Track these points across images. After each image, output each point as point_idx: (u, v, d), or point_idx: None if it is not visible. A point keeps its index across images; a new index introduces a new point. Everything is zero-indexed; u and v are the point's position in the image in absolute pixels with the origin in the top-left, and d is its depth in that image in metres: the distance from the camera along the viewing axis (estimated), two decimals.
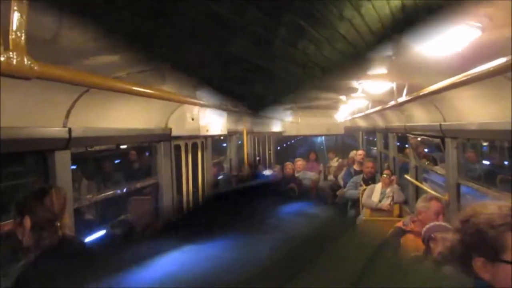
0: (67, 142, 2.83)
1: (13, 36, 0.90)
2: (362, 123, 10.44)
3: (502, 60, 1.57)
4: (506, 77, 2.49)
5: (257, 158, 9.00)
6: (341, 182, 8.61)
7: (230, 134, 7.28)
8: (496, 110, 3.17)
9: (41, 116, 2.60)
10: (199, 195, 5.95)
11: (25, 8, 0.91)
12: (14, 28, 0.89)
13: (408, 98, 3.29)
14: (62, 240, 2.01)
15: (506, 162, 6.32)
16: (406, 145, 7.18)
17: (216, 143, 7.94)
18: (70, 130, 2.81)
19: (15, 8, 0.87)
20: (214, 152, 7.25)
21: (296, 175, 8.92)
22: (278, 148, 14.77)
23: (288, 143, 17.05)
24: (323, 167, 11.76)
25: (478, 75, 1.82)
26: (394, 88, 3.71)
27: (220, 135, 6.22)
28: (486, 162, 6.27)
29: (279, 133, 12.53)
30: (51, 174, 2.82)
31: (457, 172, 4.42)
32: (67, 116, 2.79)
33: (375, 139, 9.80)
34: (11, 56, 0.91)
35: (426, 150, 6.28)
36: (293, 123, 12.20)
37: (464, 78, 1.96)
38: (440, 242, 2.34)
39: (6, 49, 0.89)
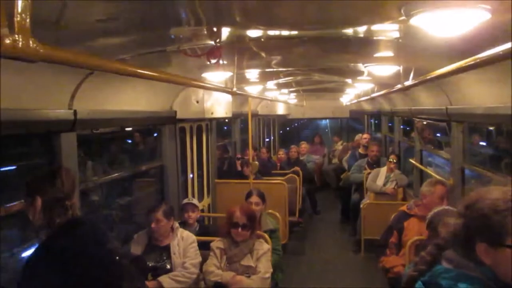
0: (72, 124, 2.84)
1: (18, 19, 0.90)
2: (367, 107, 10.40)
3: (509, 45, 1.55)
4: None
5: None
6: (346, 166, 8.62)
7: (234, 117, 7.28)
8: (503, 94, 3.15)
9: (47, 98, 2.61)
10: (204, 178, 6.00)
11: None
12: (19, 10, 0.89)
13: (414, 81, 3.26)
14: (72, 220, 2.05)
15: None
16: (409, 128, 7.16)
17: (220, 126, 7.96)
18: (75, 112, 2.83)
19: None
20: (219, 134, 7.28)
21: (301, 158, 8.95)
22: (282, 131, 14.79)
23: (293, 126, 17.03)
24: (328, 151, 11.78)
25: (486, 59, 1.79)
26: (401, 71, 3.67)
27: (225, 118, 6.22)
28: (483, 144, 6.22)
29: (284, 116, 12.52)
30: (57, 156, 2.85)
31: (462, 156, 4.41)
32: (72, 98, 2.80)
33: (380, 123, 9.76)
34: (17, 38, 0.91)
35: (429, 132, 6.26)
36: (298, 106, 12.18)
37: (472, 62, 1.93)
38: (444, 226, 2.35)
39: (12, 31, 0.89)
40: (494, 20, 1.71)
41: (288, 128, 16.33)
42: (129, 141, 6.87)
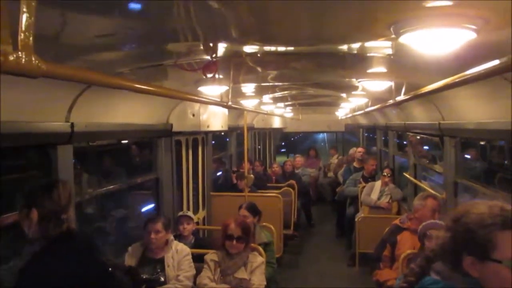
0: (69, 137, 2.87)
1: (22, 37, 0.93)
2: (362, 121, 10.48)
3: (499, 62, 1.60)
4: (503, 77, 2.53)
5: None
6: (341, 179, 8.66)
7: (230, 130, 7.32)
8: (494, 110, 3.21)
9: (44, 110, 2.64)
10: (199, 190, 6.01)
11: (33, 9, 0.95)
12: (23, 28, 0.93)
13: (406, 97, 3.32)
14: (66, 232, 2.06)
15: (505, 162, 6.36)
16: (404, 143, 7.23)
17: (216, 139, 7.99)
18: (72, 125, 2.86)
19: (24, 9, 0.91)
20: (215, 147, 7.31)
21: (296, 171, 8.98)
22: (282, 143, 14.85)
23: (292, 139, 17.11)
24: (323, 164, 11.83)
25: (475, 76, 1.85)
26: (393, 87, 3.74)
27: (220, 131, 6.26)
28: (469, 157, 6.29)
29: (280, 129, 12.58)
30: (53, 169, 2.87)
31: (454, 171, 4.46)
32: (69, 111, 2.83)
33: (375, 137, 9.84)
34: (20, 55, 0.95)
35: (425, 148, 6.33)
36: (294, 120, 12.25)
37: (461, 79, 1.98)
38: (433, 239, 2.39)
39: (15, 49, 0.93)
40: (481, 38, 1.77)
41: (284, 142, 16.39)
42: (125, 154, 6.89)
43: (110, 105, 3.36)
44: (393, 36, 1.90)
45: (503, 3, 1.51)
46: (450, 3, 1.50)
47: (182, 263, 3.52)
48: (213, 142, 7.15)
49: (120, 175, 5.93)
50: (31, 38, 0.96)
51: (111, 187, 4.41)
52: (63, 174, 2.86)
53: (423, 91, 2.67)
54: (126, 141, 6.16)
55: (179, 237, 4.09)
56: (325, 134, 16.77)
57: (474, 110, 3.56)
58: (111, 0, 1.53)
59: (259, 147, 10.66)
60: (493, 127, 3.21)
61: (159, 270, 3.48)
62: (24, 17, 0.92)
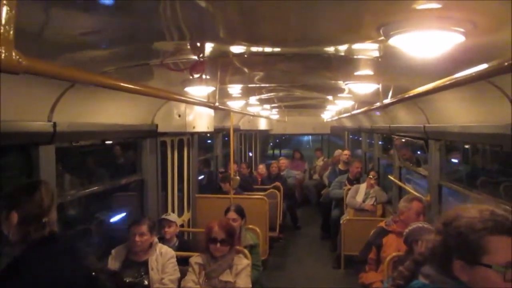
0: (51, 137, 2.80)
1: (2, 30, 0.89)
2: (348, 123, 10.54)
3: (484, 66, 1.61)
4: (489, 81, 2.56)
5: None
6: (326, 181, 8.68)
7: (217, 132, 7.28)
8: (478, 113, 3.25)
9: (26, 109, 2.57)
10: (184, 192, 5.95)
11: (14, 2, 0.91)
12: (3, 22, 0.89)
13: (393, 100, 3.34)
14: (48, 235, 2.00)
15: (487, 165, 6.45)
16: (389, 146, 7.29)
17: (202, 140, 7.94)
18: (55, 125, 2.79)
19: (4, 1, 0.87)
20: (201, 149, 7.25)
21: (281, 173, 8.99)
22: (268, 145, 14.90)
23: (277, 141, 17.14)
24: (309, 166, 11.86)
25: (461, 80, 1.86)
26: (380, 90, 3.76)
27: (206, 132, 6.22)
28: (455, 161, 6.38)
29: (266, 131, 12.59)
30: (34, 169, 2.80)
31: (439, 174, 4.50)
32: (52, 110, 2.76)
33: (361, 139, 9.91)
34: (0, 50, 0.91)
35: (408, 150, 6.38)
36: (280, 122, 12.27)
37: (448, 82, 1.99)
38: (422, 243, 2.40)
39: None
40: (469, 42, 1.78)
41: (272, 144, 16.42)
42: (109, 155, 6.79)
43: (94, 104, 3.30)
44: (381, 38, 1.89)
45: (491, 7, 1.52)
46: (439, 6, 1.50)
47: (166, 266, 3.47)
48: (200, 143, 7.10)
49: (103, 176, 5.84)
50: (11, 33, 0.92)
51: (94, 188, 4.32)
52: (45, 175, 2.79)
53: (410, 94, 2.68)
54: (110, 142, 6.06)
55: (162, 239, 4.03)
56: (310, 137, 16.82)
57: (458, 114, 3.60)
58: None
59: (240, 147, 10.62)
60: (476, 130, 3.25)
61: (143, 273, 3.42)
62: (4, 10, 0.88)
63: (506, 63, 1.44)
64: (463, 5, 1.52)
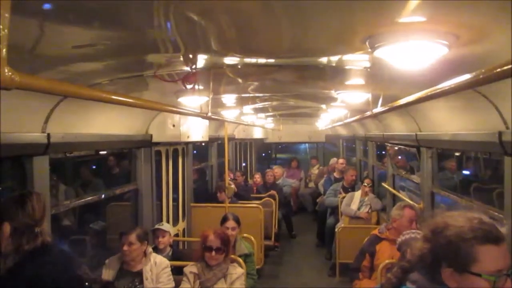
0: (45, 148, 2.82)
1: None
2: (342, 131, 10.60)
3: (470, 76, 1.66)
4: (476, 90, 2.62)
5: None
6: (322, 189, 8.70)
7: (211, 141, 7.30)
8: (467, 121, 3.30)
9: (20, 121, 2.59)
10: (179, 201, 5.96)
11: (7, 20, 0.94)
12: None
13: (383, 109, 3.39)
14: (41, 246, 2.01)
15: (479, 172, 6.50)
16: (383, 153, 7.33)
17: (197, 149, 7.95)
18: (49, 136, 2.81)
19: None
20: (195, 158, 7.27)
21: (277, 182, 9.00)
22: (263, 154, 14.95)
23: (280, 147, 17.16)
24: (304, 174, 11.89)
25: (448, 89, 1.90)
26: (370, 99, 3.81)
27: (201, 142, 6.24)
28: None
29: (261, 140, 12.62)
30: (28, 180, 2.81)
31: (431, 181, 4.54)
32: (46, 121, 2.78)
33: (355, 146, 9.95)
34: None
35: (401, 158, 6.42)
36: (275, 130, 12.31)
37: (436, 91, 2.04)
38: (410, 250, 2.42)
39: None
40: (453, 53, 1.83)
41: (270, 151, 16.46)
42: (104, 165, 6.79)
43: (88, 115, 3.32)
44: (369, 49, 1.94)
45: (472, 20, 1.57)
46: (423, 19, 1.55)
47: (160, 276, 3.47)
48: (195, 151, 7.12)
49: (98, 186, 5.84)
50: (4, 50, 0.95)
51: (89, 198, 4.33)
52: (39, 186, 2.80)
53: (399, 103, 2.72)
54: (105, 152, 6.07)
55: (156, 249, 4.02)
56: (307, 144, 16.85)
57: (449, 122, 3.66)
58: (89, 11, 1.52)
59: (235, 155, 10.66)
60: (466, 138, 3.30)
61: (137, 283, 3.42)
62: None
63: (488, 73, 1.49)
64: (446, 18, 1.57)
